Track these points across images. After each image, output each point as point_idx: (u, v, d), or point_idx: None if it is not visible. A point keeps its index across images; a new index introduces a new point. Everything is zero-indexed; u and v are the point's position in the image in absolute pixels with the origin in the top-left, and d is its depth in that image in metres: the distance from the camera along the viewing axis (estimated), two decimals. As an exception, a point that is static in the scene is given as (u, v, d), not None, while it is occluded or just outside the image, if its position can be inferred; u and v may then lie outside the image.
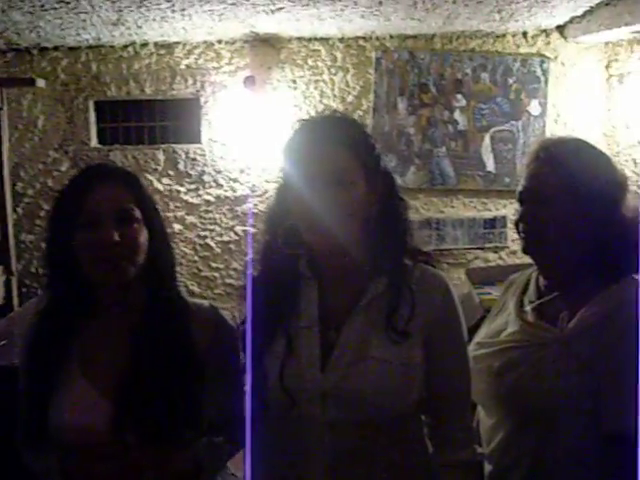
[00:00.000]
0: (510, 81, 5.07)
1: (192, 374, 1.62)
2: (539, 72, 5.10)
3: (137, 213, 1.64)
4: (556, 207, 1.65)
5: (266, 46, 4.92)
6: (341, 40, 4.97)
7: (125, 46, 4.97)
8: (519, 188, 1.75)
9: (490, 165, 5.06)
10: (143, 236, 1.64)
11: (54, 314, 1.67)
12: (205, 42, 4.95)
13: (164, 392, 1.58)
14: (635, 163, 5.11)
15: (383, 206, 1.58)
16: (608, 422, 1.58)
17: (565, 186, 1.65)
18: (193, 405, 1.61)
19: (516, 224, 1.77)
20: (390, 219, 1.59)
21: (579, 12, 4.79)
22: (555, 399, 1.62)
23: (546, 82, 5.11)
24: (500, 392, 1.71)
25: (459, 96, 5.03)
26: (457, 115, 5.04)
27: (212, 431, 1.72)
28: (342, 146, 1.52)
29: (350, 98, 5.00)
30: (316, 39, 4.95)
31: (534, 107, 5.12)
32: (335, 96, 4.99)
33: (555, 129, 5.22)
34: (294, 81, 4.97)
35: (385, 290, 1.57)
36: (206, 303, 1.81)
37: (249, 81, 4.82)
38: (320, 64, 4.98)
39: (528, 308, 1.77)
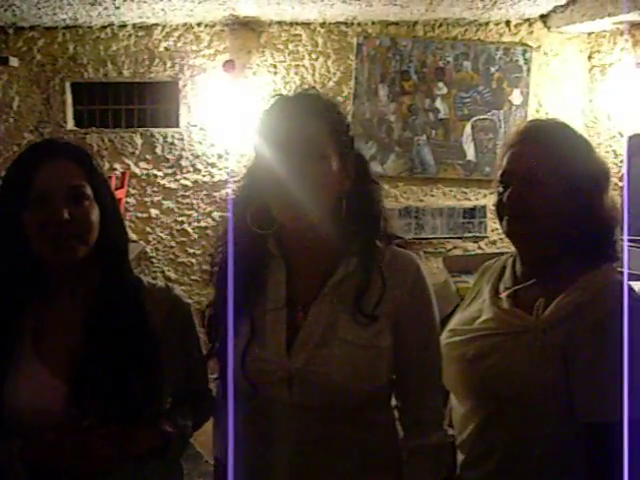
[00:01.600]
0: (492, 70, 5.04)
1: (147, 352, 1.59)
2: (521, 61, 5.08)
3: (88, 190, 1.58)
4: (545, 188, 1.61)
5: (246, 30, 4.86)
6: (322, 25, 4.92)
7: (103, 27, 4.90)
8: (502, 168, 1.70)
9: (471, 154, 5.04)
10: (94, 214, 1.59)
11: (5, 296, 1.62)
12: (184, 24, 4.89)
13: (119, 371, 1.55)
14: (616, 154, 5.10)
15: (356, 187, 1.55)
16: (582, 412, 1.55)
17: (555, 167, 1.61)
18: (150, 383, 1.58)
19: (498, 206, 1.71)
20: (363, 201, 1.56)
21: (562, 2, 4.77)
22: (529, 388, 1.59)
23: (528, 71, 5.09)
24: (473, 380, 1.68)
25: (440, 84, 5.00)
26: (438, 103, 5.01)
27: (175, 407, 1.69)
28: (315, 120, 1.49)
29: (331, 84, 4.96)
30: (297, 23, 4.90)
31: (516, 96, 5.10)
32: (315, 82, 4.94)
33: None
34: (274, 66, 4.92)
35: (354, 271, 1.54)
36: (161, 283, 1.77)
37: (228, 65, 4.77)
38: (301, 49, 4.94)
39: (503, 295, 1.73)
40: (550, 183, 1.61)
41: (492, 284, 1.78)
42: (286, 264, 1.58)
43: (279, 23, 4.89)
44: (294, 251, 1.57)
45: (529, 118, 5.10)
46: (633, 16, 4.56)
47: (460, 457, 1.75)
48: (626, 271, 2.15)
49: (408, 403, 1.61)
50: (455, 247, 5.10)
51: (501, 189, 1.69)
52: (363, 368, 1.50)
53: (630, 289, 1.61)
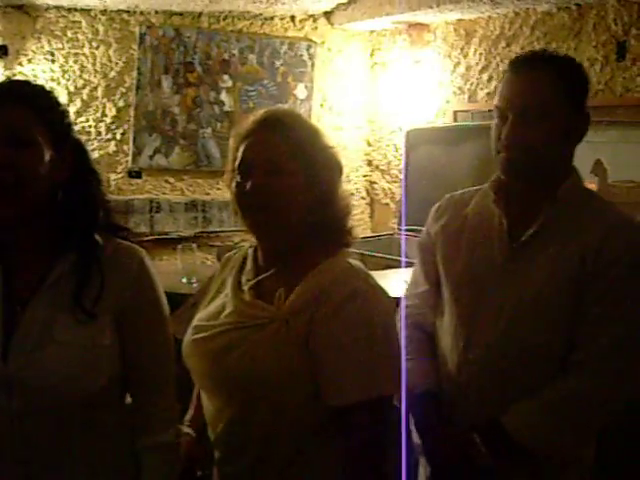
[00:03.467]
0: (277, 64, 5.10)
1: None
2: (306, 56, 5.17)
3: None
4: (288, 178, 1.61)
5: (20, 13, 4.59)
6: (103, 12, 4.74)
7: None
8: (240, 158, 1.65)
9: (256, 147, 5.06)
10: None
11: None
12: (-50, 5, 4.55)
13: None
14: (396, 148, 5.32)
15: (73, 177, 1.51)
16: (328, 397, 1.58)
17: (296, 156, 1.62)
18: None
19: (239, 196, 1.65)
20: (80, 192, 1.52)
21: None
22: (277, 380, 1.59)
23: (312, 66, 5.20)
24: (221, 375, 1.66)
25: (225, 77, 4.98)
26: (223, 96, 4.99)
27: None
28: (22, 106, 1.44)
29: (112, 74, 4.79)
30: (76, 9, 4.69)
31: (301, 91, 5.19)
32: (97, 71, 4.76)
33: (321, 113, 5.33)
34: (52, 53, 4.67)
35: (73, 267, 1.49)
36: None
37: (0, 51, 4.49)
38: (80, 36, 4.72)
39: (245, 287, 1.73)
40: (292, 172, 1.62)
41: (234, 276, 1.77)
42: (4, 260, 1.50)
43: (57, 8, 4.64)
44: (10, 246, 1.50)
45: (314, 112, 5.22)
46: (408, 16, 4.76)
47: (216, 454, 1.75)
48: (404, 259, 2.23)
49: (137, 402, 1.60)
50: (243, 240, 5.10)
51: (239, 179, 1.64)
52: (80, 369, 1.46)
53: (364, 274, 1.65)
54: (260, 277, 1.70)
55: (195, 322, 1.76)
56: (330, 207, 1.66)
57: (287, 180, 1.60)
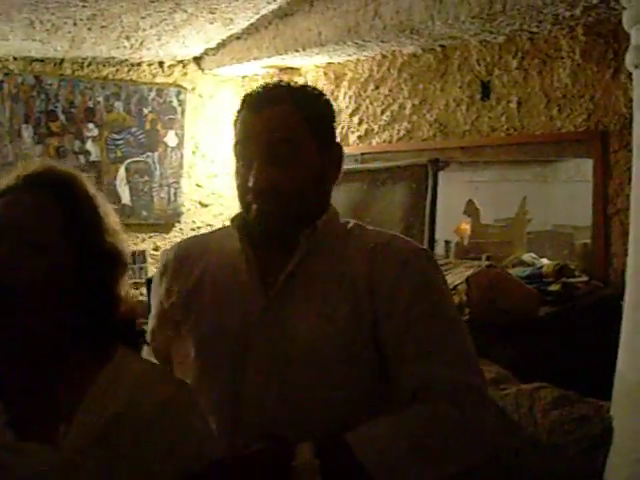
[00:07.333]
0: (145, 111, 4.95)
1: None
2: (175, 103, 5.05)
3: None
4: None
5: None
6: (-44, 59, 4.49)
7: None
8: None
9: (126, 198, 4.87)
10: None
11: None
12: None
13: None
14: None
15: None
16: None
17: None
18: None
19: None
20: None
21: (212, 44, 4.82)
22: None
23: (183, 113, 5.08)
24: None
25: (91, 125, 4.78)
26: (89, 145, 4.79)
27: None
28: None
29: (-32, 124, 4.53)
30: None
31: (171, 138, 5.05)
32: (-49, 121, 4.48)
33: (193, 161, 5.19)
34: None
35: None
36: None
37: None
38: None
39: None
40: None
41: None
42: None
43: None
44: None
45: (186, 160, 5.08)
46: (277, 60, 4.72)
47: None
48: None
49: None
50: (117, 294, 4.88)
51: None
52: None
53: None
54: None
55: None
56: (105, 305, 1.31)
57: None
